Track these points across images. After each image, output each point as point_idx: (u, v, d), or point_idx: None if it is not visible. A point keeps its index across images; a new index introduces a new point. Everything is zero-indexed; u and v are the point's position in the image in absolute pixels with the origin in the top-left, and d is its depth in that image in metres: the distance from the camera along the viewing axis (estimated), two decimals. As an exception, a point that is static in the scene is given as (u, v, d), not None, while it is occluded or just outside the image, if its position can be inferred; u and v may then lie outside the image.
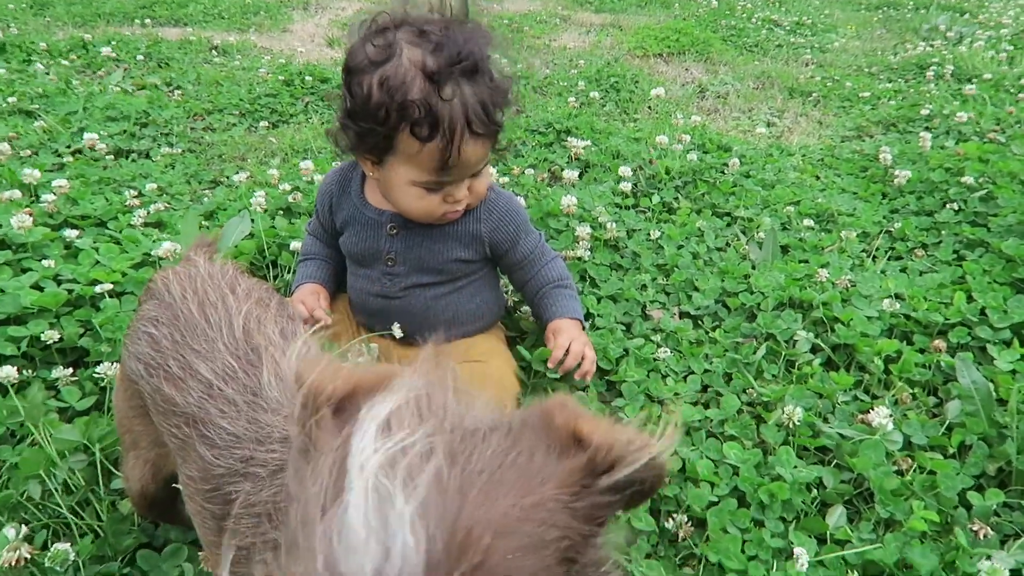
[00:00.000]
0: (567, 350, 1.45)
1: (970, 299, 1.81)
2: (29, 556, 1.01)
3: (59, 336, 1.51)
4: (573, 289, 1.59)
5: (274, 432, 0.76)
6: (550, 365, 1.47)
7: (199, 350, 0.83)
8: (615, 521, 0.47)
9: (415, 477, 0.38)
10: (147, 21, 5.40)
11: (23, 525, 1.08)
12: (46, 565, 1.04)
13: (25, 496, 1.21)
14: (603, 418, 0.47)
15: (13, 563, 0.99)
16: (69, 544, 1.07)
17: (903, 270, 2.07)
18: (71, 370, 1.47)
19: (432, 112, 1.18)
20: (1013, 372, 1.56)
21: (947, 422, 1.45)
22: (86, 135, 2.67)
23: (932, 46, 5.27)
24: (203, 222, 2.12)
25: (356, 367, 0.51)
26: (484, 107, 1.23)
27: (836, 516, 1.26)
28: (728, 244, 2.20)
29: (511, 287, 1.76)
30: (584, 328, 1.55)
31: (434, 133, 1.19)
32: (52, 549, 1.05)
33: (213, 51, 4.61)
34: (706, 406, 1.55)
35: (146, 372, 0.86)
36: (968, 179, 2.40)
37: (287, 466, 0.71)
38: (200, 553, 1.12)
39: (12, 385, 1.32)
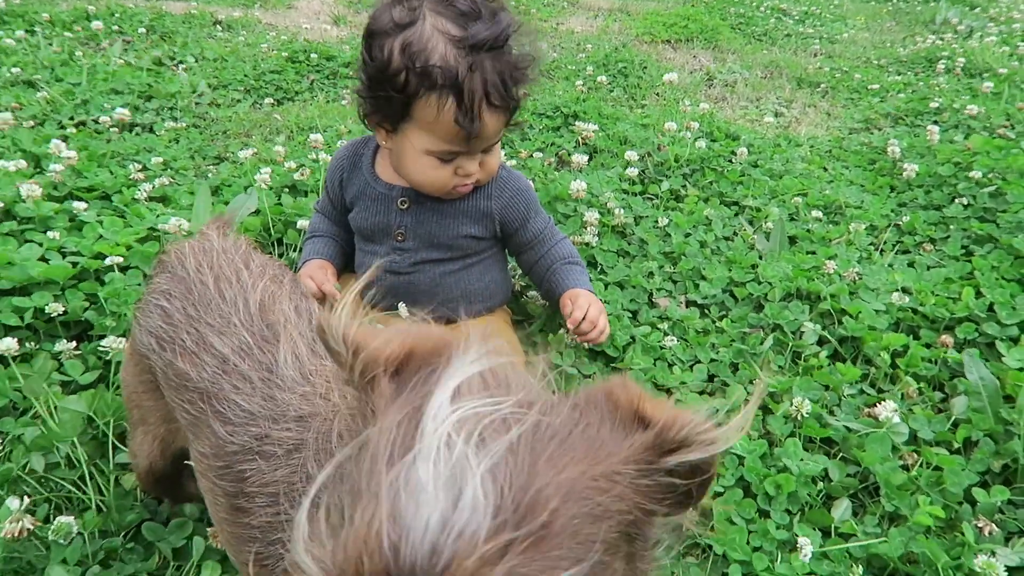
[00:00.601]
0: (586, 313, 1.46)
1: (978, 295, 1.80)
2: (32, 528, 1.00)
3: (63, 309, 1.50)
4: (583, 267, 1.60)
5: (289, 411, 0.75)
6: (569, 326, 1.46)
7: (214, 325, 0.83)
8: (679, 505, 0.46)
9: (487, 438, 0.39)
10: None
11: (26, 497, 1.08)
12: (49, 538, 1.04)
13: (28, 469, 1.20)
14: (665, 399, 0.47)
15: (16, 534, 0.99)
16: (72, 517, 1.07)
17: (911, 264, 2.06)
18: (75, 343, 1.46)
19: (454, 80, 1.18)
20: (1021, 369, 1.55)
21: (953, 418, 1.44)
22: (118, 110, 2.66)
23: (942, 39, 5.24)
24: (209, 198, 2.10)
25: (409, 331, 0.50)
26: (503, 80, 1.22)
27: (842, 509, 1.26)
28: (735, 233, 2.18)
29: (519, 271, 1.75)
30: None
31: (454, 101, 1.19)
32: (55, 522, 1.05)
33: (217, 26, 4.57)
34: (712, 396, 1.54)
35: (158, 346, 0.86)
36: (977, 174, 2.38)
37: (303, 445, 0.70)
38: (209, 529, 1.12)
39: (14, 358, 1.31)
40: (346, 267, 1.63)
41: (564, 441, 0.42)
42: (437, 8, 1.19)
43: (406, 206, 1.42)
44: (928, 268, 2.02)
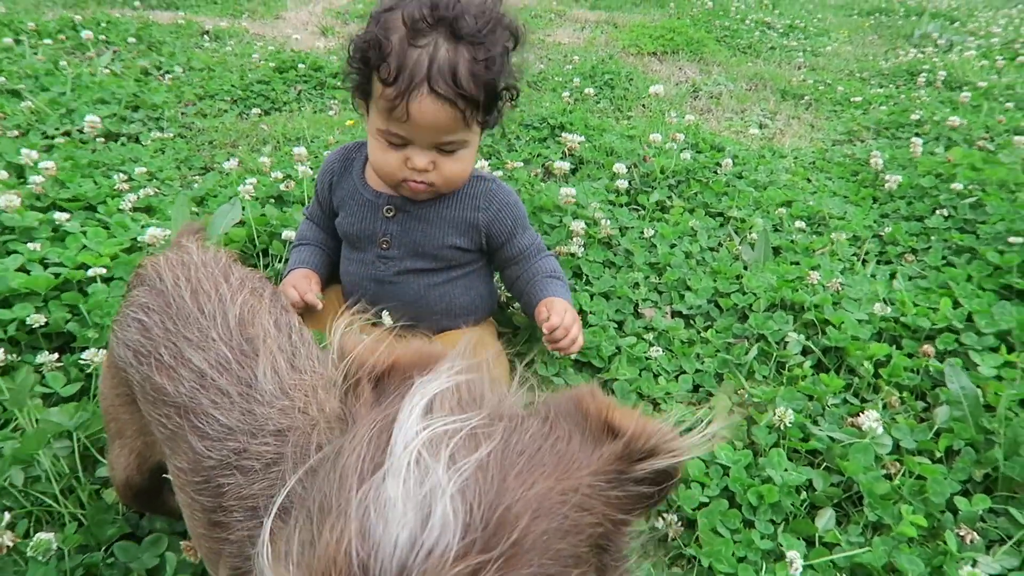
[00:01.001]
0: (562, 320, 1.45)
1: (956, 305, 1.82)
2: (12, 544, 0.99)
3: (45, 320, 1.48)
4: (565, 282, 1.59)
5: (268, 424, 0.75)
6: (545, 330, 1.44)
7: (192, 339, 0.82)
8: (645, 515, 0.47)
9: (457, 456, 0.39)
10: (137, 4, 5.32)
11: (6, 512, 1.06)
12: (28, 555, 1.03)
13: (8, 482, 1.18)
14: (633, 409, 0.48)
15: (-4, 551, 0.98)
16: (52, 534, 1.05)
17: (893, 275, 2.08)
18: (56, 355, 1.45)
19: (399, 55, 1.20)
20: (998, 378, 1.57)
21: (936, 427, 1.46)
22: (88, 117, 2.62)
23: (923, 53, 5.31)
24: (193, 208, 2.09)
25: (397, 343, 0.51)
26: (454, 70, 1.20)
27: (825, 519, 1.26)
28: (721, 244, 2.20)
29: (503, 285, 1.75)
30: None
31: (394, 78, 1.20)
32: (35, 538, 1.03)
33: (204, 36, 4.56)
34: (697, 406, 1.55)
35: (135, 360, 0.85)
36: (958, 186, 2.41)
37: (282, 459, 0.70)
38: (182, 543, 1.11)
39: (3, 368, 1.30)
40: (332, 276, 1.63)
41: (533, 456, 0.42)
42: (423, 2, 1.22)
43: (392, 214, 1.42)
44: (910, 278, 2.04)
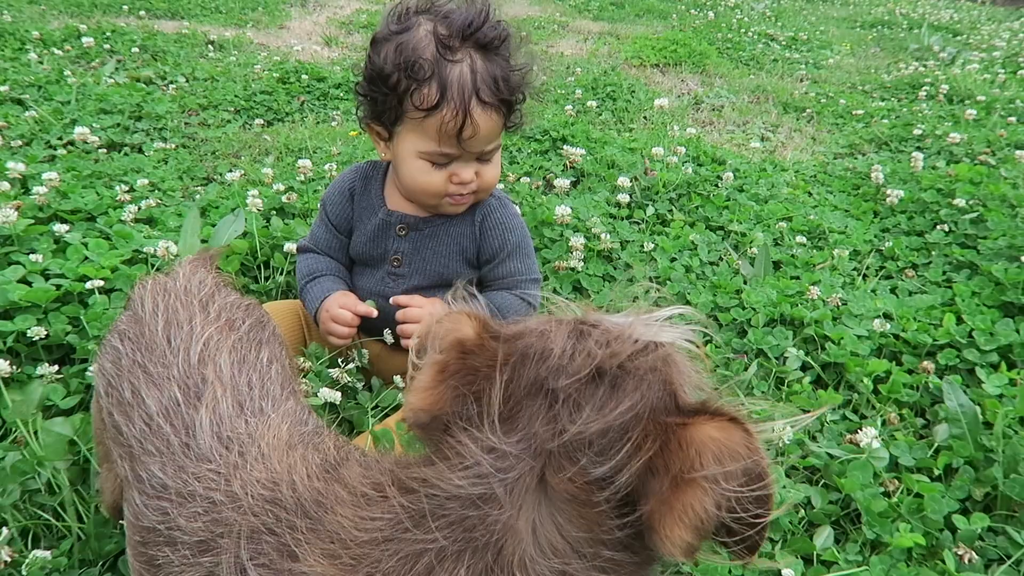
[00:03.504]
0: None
1: (959, 321, 1.82)
2: (10, 559, 0.99)
3: (46, 333, 1.49)
4: (515, 309, 1.44)
5: (197, 488, 0.66)
6: (392, 300, 1.39)
7: (153, 375, 0.76)
8: None
9: None
10: (142, 13, 5.36)
11: (4, 527, 1.06)
12: (23, 574, 1.02)
13: (5, 498, 1.18)
14: None
15: (-7, 565, 0.98)
16: (49, 552, 1.05)
17: (893, 290, 2.08)
18: (56, 367, 1.45)
19: (440, 74, 1.20)
20: (1000, 396, 1.57)
21: (935, 445, 1.45)
22: (78, 128, 2.63)
23: (925, 66, 5.32)
24: (198, 221, 2.10)
25: None
26: (494, 77, 1.23)
27: (823, 537, 1.26)
28: (721, 258, 2.20)
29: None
30: None
31: (441, 97, 1.20)
32: (30, 556, 1.03)
33: (209, 46, 4.59)
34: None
35: (105, 391, 0.80)
36: (959, 201, 2.42)
37: (214, 546, 0.62)
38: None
39: (5, 380, 1.30)
40: None
41: None
42: (431, 17, 1.23)
43: (404, 232, 1.42)
44: (910, 294, 2.04)
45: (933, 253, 2.26)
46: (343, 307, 1.38)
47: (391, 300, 1.40)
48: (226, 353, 0.80)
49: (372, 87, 1.28)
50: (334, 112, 3.52)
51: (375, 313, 1.40)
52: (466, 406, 0.58)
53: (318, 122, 3.36)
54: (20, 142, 2.61)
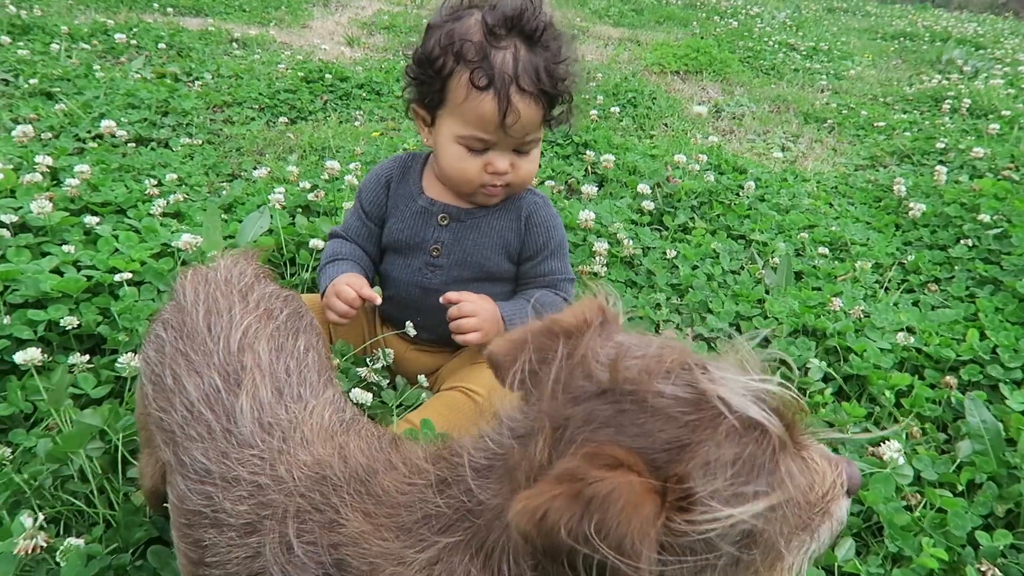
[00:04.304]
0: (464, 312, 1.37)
1: (982, 336, 1.81)
2: (45, 544, 1.01)
3: (78, 322, 1.51)
4: (556, 307, 1.45)
5: (242, 473, 0.68)
6: (442, 298, 1.38)
7: (194, 362, 0.78)
8: None
9: None
10: (169, 10, 5.42)
11: (39, 512, 1.08)
12: (59, 562, 1.04)
13: (40, 482, 1.21)
14: None
15: (29, 551, 0.99)
16: (82, 541, 1.07)
17: (915, 303, 2.07)
18: (87, 357, 1.47)
19: (486, 57, 1.23)
20: (1024, 413, 1.57)
21: (958, 460, 1.45)
22: (105, 122, 2.67)
23: (948, 79, 5.30)
24: (222, 216, 2.12)
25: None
26: (536, 66, 1.25)
27: (845, 549, 1.26)
28: (743, 267, 2.20)
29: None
30: (503, 324, 1.40)
31: (483, 80, 1.23)
32: (63, 544, 1.05)
33: (233, 43, 4.63)
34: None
35: (149, 378, 0.83)
36: (984, 216, 2.40)
37: (261, 528, 0.64)
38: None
39: (37, 368, 1.32)
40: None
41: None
42: (483, 9, 1.27)
43: (446, 222, 1.43)
44: (933, 308, 2.03)
45: (956, 268, 2.25)
46: (349, 285, 1.37)
47: (441, 299, 1.38)
48: (264, 341, 0.81)
49: (420, 70, 1.32)
50: (356, 112, 3.54)
51: (379, 300, 1.39)
52: (523, 380, 0.59)
53: (341, 121, 3.39)
54: (50, 134, 2.64)
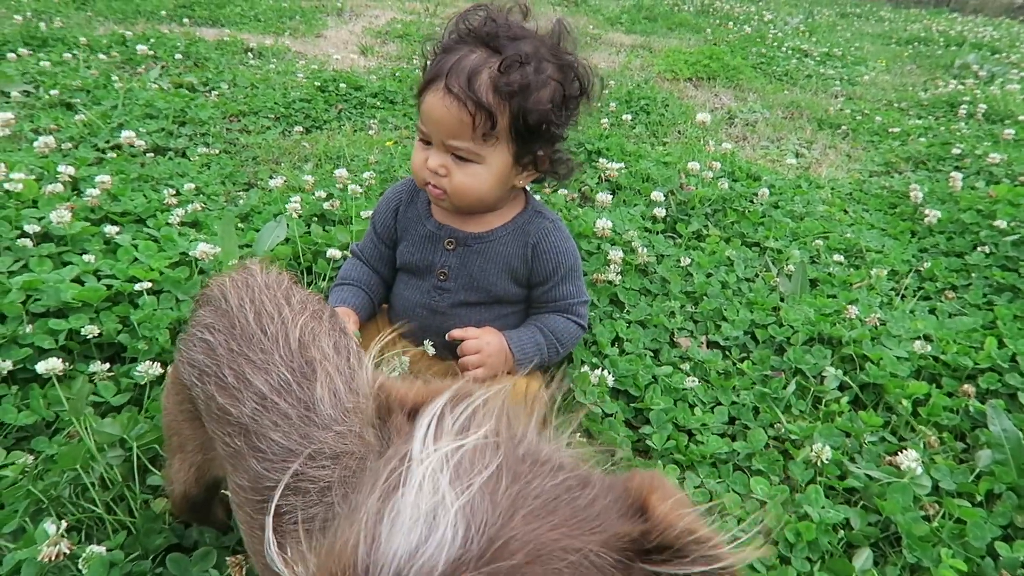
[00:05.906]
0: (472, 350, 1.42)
1: (1001, 345, 1.80)
2: (69, 551, 1.02)
3: (98, 331, 1.53)
4: (551, 344, 1.48)
5: (325, 448, 0.77)
6: (448, 336, 1.43)
7: (255, 361, 0.84)
8: None
9: (472, 483, 0.40)
10: (185, 20, 5.48)
11: (61, 519, 1.10)
12: (81, 568, 1.06)
13: (60, 490, 1.22)
14: (689, 506, 0.45)
15: (52, 558, 1.01)
16: (103, 548, 1.09)
17: (932, 311, 2.06)
18: (107, 365, 1.49)
19: (442, 55, 1.29)
20: (1044, 422, 1.55)
21: (976, 470, 1.44)
22: (124, 132, 2.70)
23: (963, 84, 5.26)
24: (238, 224, 2.14)
25: (435, 384, 0.53)
26: (473, 74, 1.23)
27: (863, 559, 1.26)
28: (757, 275, 2.20)
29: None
30: (515, 364, 1.44)
31: (433, 73, 1.28)
32: (87, 551, 1.06)
33: (248, 53, 4.67)
34: (733, 438, 1.55)
35: (199, 379, 0.87)
36: (1001, 222, 2.39)
37: (336, 485, 0.72)
38: (228, 558, 1.13)
39: (57, 377, 1.34)
40: (371, 317, 1.59)
41: (550, 502, 0.42)
42: (483, 17, 1.30)
43: (452, 247, 1.44)
44: (950, 316, 2.02)
45: (973, 275, 2.23)
46: None
47: (447, 336, 1.44)
48: (325, 337, 0.88)
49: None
50: (370, 121, 3.56)
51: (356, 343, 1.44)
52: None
53: (355, 130, 3.41)
54: (70, 144, 2.68)
